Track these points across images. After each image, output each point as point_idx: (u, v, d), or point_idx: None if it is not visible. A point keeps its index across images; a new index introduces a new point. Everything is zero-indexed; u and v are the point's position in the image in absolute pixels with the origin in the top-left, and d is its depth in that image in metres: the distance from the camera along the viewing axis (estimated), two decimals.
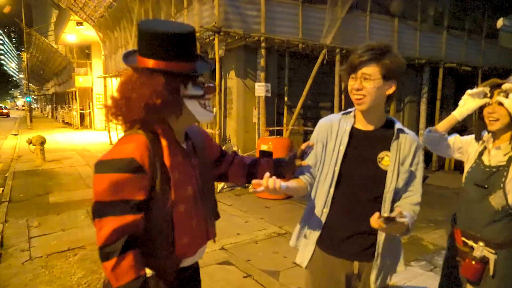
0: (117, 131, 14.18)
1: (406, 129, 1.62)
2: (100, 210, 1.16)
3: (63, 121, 29.82)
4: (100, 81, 17.40)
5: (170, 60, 1.21)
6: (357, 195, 1.58)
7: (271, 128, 7.46)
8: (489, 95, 1.84)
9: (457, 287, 2.00)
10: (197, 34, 6.92)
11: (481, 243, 1.86)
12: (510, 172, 1.79)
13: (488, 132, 1.92)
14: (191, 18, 8.01)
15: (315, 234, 1.66)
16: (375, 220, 1.32)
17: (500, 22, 4.47)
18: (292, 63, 7.91)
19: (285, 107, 7.86)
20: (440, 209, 5.93)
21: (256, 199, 6.40)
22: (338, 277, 1.64)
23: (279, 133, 7.71)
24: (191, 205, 1.34)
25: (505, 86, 1.76)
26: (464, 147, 2.03)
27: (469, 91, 1.88)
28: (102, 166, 1.17)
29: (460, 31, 9.66)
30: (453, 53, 9.47)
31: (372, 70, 1.47)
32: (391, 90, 1.52)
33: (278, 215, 5.53)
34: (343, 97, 7.79)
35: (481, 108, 1.89)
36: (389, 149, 1.56)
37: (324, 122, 1.70)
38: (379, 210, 1.48)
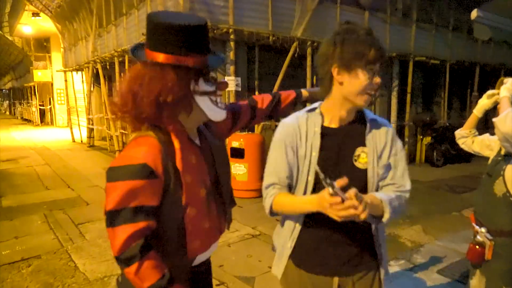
0: (80, 127, 13.57)
1: (378, 118, 1.47)
2: (112, 219, 1.14)
3: (22, 118, 28.47)
4: (60, 75, 16.52)
5: (181, 54, 1.16)
6: None
7: None
8: (499, 91, 2.01)
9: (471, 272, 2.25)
10: None
11: (482, 229, 2.05)
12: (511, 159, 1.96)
13: None
14: (155, 8, 7.58)
15: (287, 250, 1.49)
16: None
17: (474, 13, 4.42)
18: (262, 56, 7.66)
19: None
20: (415, 203, 5.88)
21: None
22: None
23: (251, 129, 7.46)
24: (203, 207, 1.30)
25: (505, 80, 1.96)
26: (492, 144, 2.23)
27: (487, 92, 2.13)
28: (114, 173, 1.15)
29: (428, 24, 9.70)
30: (422, 47, 9.49)
31: None
32: None
33: (251, 214, 5.29)
34: None
35: None
36: (364, 144, 1.40)
37: (290, 123, 1.46)
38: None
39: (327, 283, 1.46)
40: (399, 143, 1.47)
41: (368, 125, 1.43)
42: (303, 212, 1.38)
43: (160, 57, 1.15)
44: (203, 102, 1.24)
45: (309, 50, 7.44)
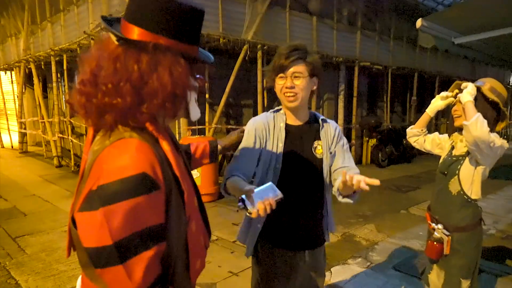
0: (9, 132, 12.44)
1: (327, 119, 1.83)
2: (121, 253, 0.87)
3: None
4: None
5: (185, 41, 1.00)
6: (300, 186, 1.69)
7: (193, 127, 7.01)
8: (453, 94, 2.16)
9: (428, 267, 2.35)
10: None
11: (439, 226, 2.16)
12: (466, 160, 2.07)
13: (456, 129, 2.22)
14: (98, 6, 7.17)
15: (258, 229, 1.73)
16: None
17: (419, 23, 4.64)
18: None
19: (207, 105, 7.47)
20: (365, 203, 6.09)
21: None
22: (289, 266, 1.74)
23: (202, 132, 7.30)
24: (198, 219, 1.14)
25: (463, 85, 2.03)
26: (442, 143, 2.34)
27: (440, 94, 2.24)
28: (107, 193, 0.87)
29: (371, 32, 10.19)
30: (367, 53, 9.93)
31: (301, 69, 1.59)
32: (315, 86, 1.68)
33: None
34: (265, 94, 7.64)
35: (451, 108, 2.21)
36: (319, 139, 1.73)
37: (260, 120, 1.74)
38: (322, 195, 1.73)
39: (301, 256, 1.74)
40: (344, 138, 1.82)
41: (320, 123, 1.76)
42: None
43: (162, 40, 0.96)
44: (192, 99, 1.08)
45: (259, 54, 7.46)
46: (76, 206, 0.91)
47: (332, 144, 1.76)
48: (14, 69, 11.75)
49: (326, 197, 1.76)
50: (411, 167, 9.53)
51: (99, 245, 0.87)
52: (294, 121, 1.73)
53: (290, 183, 1.64)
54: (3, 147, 12.52)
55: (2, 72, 13.20)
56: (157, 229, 0.93)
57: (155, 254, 0.92)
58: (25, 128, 11.38)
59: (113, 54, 0.94)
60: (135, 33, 0.96)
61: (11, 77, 12.41)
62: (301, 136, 1.72)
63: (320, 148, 1.72)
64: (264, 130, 1.69)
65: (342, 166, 1.71)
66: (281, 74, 1.61)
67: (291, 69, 1.59)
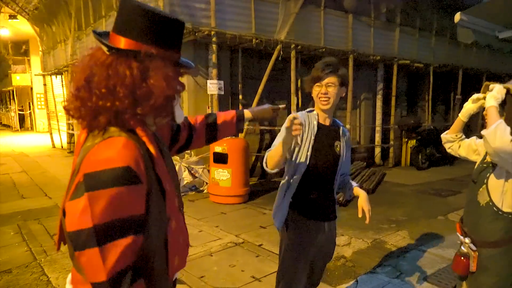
0: (60, 133, 13.20)
1: (342, 125, 2.29)
2: (99, 236, 0.95)
3: (0, 123, 27.75)
4: (40, 79, 16.11)
5: (169, 48, 1.11)
6: (323, 172, 2.13)
7: None
8: (484, 96, 1.96)
9: (458, 284, 2.23)
10: None
11: (467, 240, 2.01)
12: (496, 168, 1.89)
13: None
14: None
15: (288, 201, 2.13)
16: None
17: (457, 17, 4.35)
18: (245, 60, 7.55)
19: (240, 106, 7.50)
20: (400, 208, 5.84)
21: (212, 205, 5.99)
22: (314, 234, 2.16)
23: None
24: (179, 218, 1.23)
25: (490, 87, 1.90)
26: (479, 149, 2.19)
27: (472, 97, 2.11)
28: (93, 180, 0.96)
29: (411, 28, 9.76)
30: (406, 50, 9.53)
31: (334, 80, 2.03)
32: (343, 94, 2.14)
33: (234, 222, 5.15)
34: (299, 94, 7.54)
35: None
36: (339, 139, 2.18)
37: (300, 115, 2.10)
38: (336, 181, 2.18)
39: (321, 226, 2.17)
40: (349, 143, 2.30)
41: (340, 128, 2.23)
42: (280, 148, 1.85)
43: (152, 48, 1.06)
44: (177, 102, 1.18)
45: (293, 53, 7.37)
46: (67, 198, 1.00)
47: (346, 145, 2.23)
48: (63, 73, 12.43)
49: (336, 183, 2.22)
50: (453, 170, 9.02)
51: (80, 227, 0.94)
52: (323, 121, 2.17)
53: (316, 169, 2.11)
54: (54, 147, 13.31)
55: (54, 76, 14.00)
56: (136, 220, 1.00)
57: (131, 243, 0.98)
58: (72, 129, 12.02)
59: (105, 63, 1.05)
60: (123, 43, 1.06)
61: (62, 81, 13.13)
62: (327, 135, 2.14)
63: (339, 147, 2.17)
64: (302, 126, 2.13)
65: (342, 174, 2.26)
66: (318, 83, 2.05)
67: (326, 80, 2.02)
